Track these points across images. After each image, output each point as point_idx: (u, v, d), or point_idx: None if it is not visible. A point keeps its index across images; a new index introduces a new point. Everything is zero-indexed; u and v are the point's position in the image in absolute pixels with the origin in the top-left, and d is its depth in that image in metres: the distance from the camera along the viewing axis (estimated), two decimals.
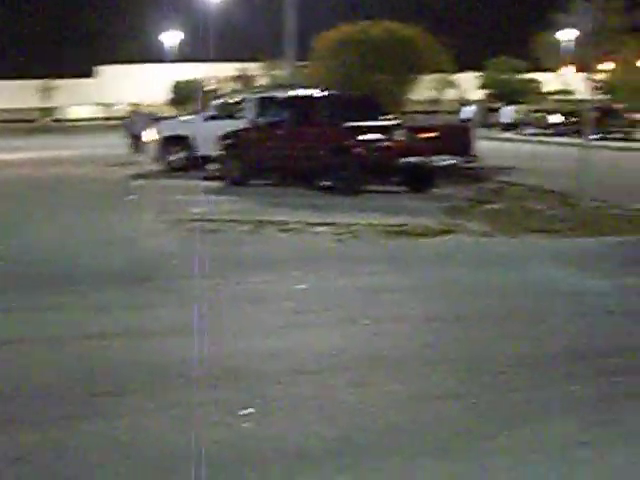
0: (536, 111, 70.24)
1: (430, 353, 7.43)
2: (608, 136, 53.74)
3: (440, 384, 6.59)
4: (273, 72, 69.51)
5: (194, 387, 6.42)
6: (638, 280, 10.43)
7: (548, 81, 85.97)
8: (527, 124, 66.20)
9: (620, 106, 67.14)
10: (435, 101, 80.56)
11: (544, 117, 65.09)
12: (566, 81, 77.91)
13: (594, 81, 22.37)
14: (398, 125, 20.82)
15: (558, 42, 61.19)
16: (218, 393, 6.33)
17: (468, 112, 65.14)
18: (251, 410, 5.96)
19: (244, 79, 79.82)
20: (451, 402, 6.18)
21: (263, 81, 73.63)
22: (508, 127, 66.81)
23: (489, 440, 5.48)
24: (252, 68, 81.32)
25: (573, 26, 23.72)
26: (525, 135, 60.02)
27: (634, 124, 57.70)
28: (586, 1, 17.07)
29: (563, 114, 60.81)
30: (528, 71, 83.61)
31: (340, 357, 7.26)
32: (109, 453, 5.30)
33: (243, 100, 28.79)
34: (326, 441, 5.47)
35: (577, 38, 37.72)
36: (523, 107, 73.41)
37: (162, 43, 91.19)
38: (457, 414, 5.96)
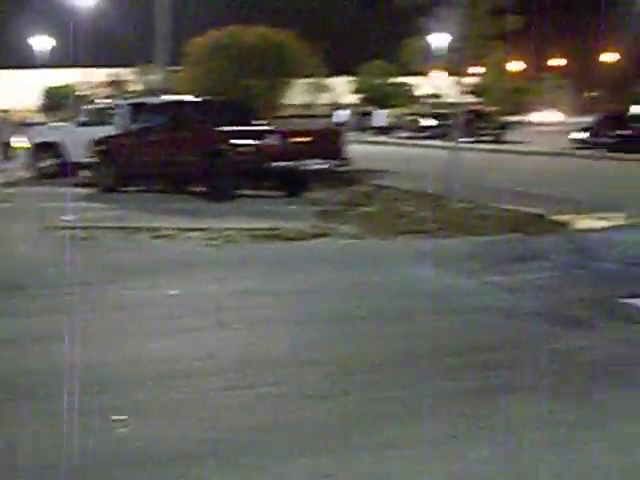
0: (408, 115, 71.24)
1: (302, 355, 7.52)
2: (480, 139, 54.90)
3: (312, 384, 6.69)
4: (146, 77, 68.95)
5: (66, 394, 6.38)
6: (503, 278, 10.72)
7: (420, 85, 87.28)
8: (400, 128, 67.10)
9: (491, 109, 68.51)
10: (309, 106, 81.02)
11: (416, 120, 66.05)
12: (437, 85, 79.21)
13: (464, 85, 22.85)
14: (271, 130, 20.93)
15: (428, 47, 62.13)
16: (90, 400, 6.30)
17: (342, 116, 65.79)
18: (125, 416, 5.96)
19: (117, 85, 79.01)
20: (323, 402, 6.29)
21: (136, 87, 73.01)
22: (381, 131, 67.62)
23: (359, 437, 5.59)
24: (125, 74, 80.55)
25: (442, 31, 24.23)
26: (398, 138, 60.81)
27: (504, 127, 59.00)
28: (451, 7, 17.42)
29: (435, 118, 61.79)
30: (400, 75, 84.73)
31: (213, 361, 7.30)
32: None
33: (115, 106, 28.55)
34: (201, 443, 5.52)
35: (448, 43, 38.46)
36: (395, 111, 74.43)
37: (32, 48, 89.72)
38: (328, 413, 6.06)
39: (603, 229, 15.30)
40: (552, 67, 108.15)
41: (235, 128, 20.56)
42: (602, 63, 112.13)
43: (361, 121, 70.75)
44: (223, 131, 20.41)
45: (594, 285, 10.39)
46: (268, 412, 6.10)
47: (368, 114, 72.94)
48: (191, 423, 5.87)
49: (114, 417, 5.92)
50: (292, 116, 51.31)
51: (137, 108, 26.09)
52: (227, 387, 6.61)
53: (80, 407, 6.10)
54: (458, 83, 17.35)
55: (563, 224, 15.30)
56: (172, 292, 9.91)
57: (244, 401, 6.32)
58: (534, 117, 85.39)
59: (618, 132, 42.48)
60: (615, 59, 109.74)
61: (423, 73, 78.89)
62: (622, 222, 16.01)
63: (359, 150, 29.72)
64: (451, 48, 25.32)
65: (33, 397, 6.43)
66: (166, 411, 6.10)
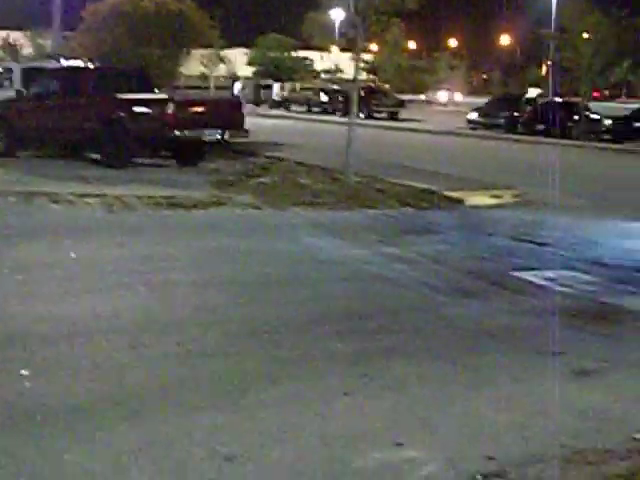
0: (306, 89, 71.40)
1: (203, 316, 7.77)
2: (375, 115, 55.43)
3: (212, 344, 6.95)
4: (40, 42, 67.79)
5: None
6: (396, 249, 11.10)
7: (320, 60, 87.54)
8: (297, 102, 67.25)
9: (387, 86, 69.07)
10: (206, 76, 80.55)
11: (315, 95, 66.26)
12: (336, 60, 79.65)
13: (361, 61, 23.12)
14: (168, 99, 20.94)
15: (329, 22, 62.53)
16: None
17: (237, 88, 65.66)
18: (27, 372, 6.12)
19: (9, 48, 77.43)
20: (222, 360, 6.56)
21: (30, 51, 71.68)
22: (278, 104, 67.65)
23: (257, 394, 5.87)
24: (18, 37, 79.01)
25: (339, 6, 24.49)
26: (293, 112, 60.99)
27: (400, 104, 59.56)
28: None
29: (332, 93, 62.11)
30: (300, 49, 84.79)
31: (116, 321, 7.50)
32: None
33: (9, 70, 28.18)
34: (104, 396, 5.73)
35: (345, 18, 38.69)
36: (293, 85, 74.46)
37: None
38: (228, 371, 6.32)
39: (494, 206, 15.83)
40: (448, 47, 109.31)
41: (132, 96, 20.55)
42: (498, 45, 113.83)
43: (260, 94, 70.71)
44: (120, 98, 20.38)
45: (484, 258, 10.83)
46: (171, 369, 6.33)
47: (266, 87, 72.90)
48: (95, 379, 6.06)
49: (21, 372, 6.09)
50: (191, 86, 51.10)
51: (32, 73, 25.81)
52: (132, 345, 6.82)
53: None
54: (354, 59, 17.62)
55: (456, 200, 15.75)
56: (73, 255, 10.02)
57: (148, 359, 6.54)
58: (432, 96, 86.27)
59: (513, 114, 43.44)
60: (510, 42, 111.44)
61: (324, 48, 79.28)
62: (511, 199, 16.57)
63: (257, 122, 29.89)
64: (348, 24, 25.57)
65: None
66: (71, 368, 6.28)
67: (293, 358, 6.66)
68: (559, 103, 44.41)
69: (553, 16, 57.76)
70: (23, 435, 5.10)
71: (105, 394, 5.78)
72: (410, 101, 64.75)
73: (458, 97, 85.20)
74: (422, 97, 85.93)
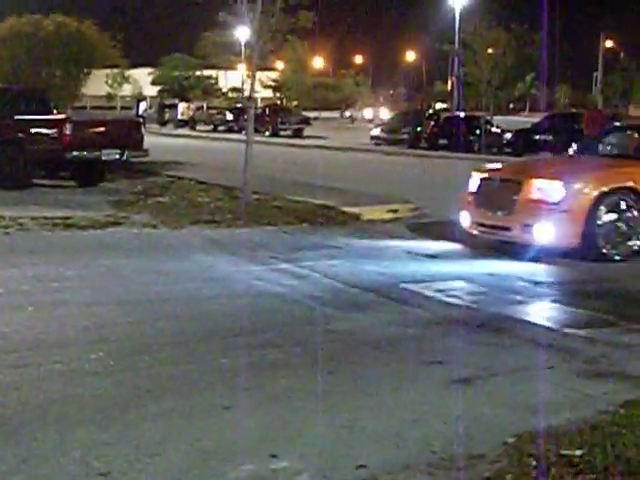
0: (212, 108, 71.43)
1: (90, 335, 7.79)
2: (279, 133, 55.68)
3: (97, 362, 6.98)
4: None
5: None
6: (288, 265, 11.20)
7: (224, 79, 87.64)
8: (201, 121, 67.23)
9: (292, 104, 69.38)
10: (111, 96, 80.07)
11: (219, 114, 66.33)
12: (240, 79, 79.89)
13: (262, 80, 23.21)
14: (67, 119, 20.85)
15: (228, 40, 62.61)
16: None
17: (143, 108, 65.42)
18: None
19: None
20: (106, 378, 6.59)
21: None
22: (182, 124, 67.54)
23: (137, 409, 5.93)
24: None
25: (239, 25, 24.62)
26: (198, 132, 60.98)
27: (305, 122, 59.94)
28: (250, 2, 17.77)
29: (235, 111, 62.24)
30: (202, 68, 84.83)
31: (4, 341, 7.48)
32: None
33: None
34: None
35: (246, 38, 38.86)
36: (196, 104, 74.37)
37: None
38: (111, 388, 6.37)
39: (390, 220, 16.04)
40: (353, 64, 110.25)
41: (30, 117, 20.45)
42: (403, 61, 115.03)
43: (164, 113, 70.57)
44: (18, 119, 20.26)
45: (377, 272, 10.98)
46: (53, 388, 6.35)
47: (171, 106, 72.77)
48: None
49: None
50: (93, 107, 50.72)
51: None
52: (17, 365, 6.83)
53: None
54: (252, 77, 17.74)
55: (352, 215, 15.93)
56: None
57: (31, 378, 6.55)
58: (357, 113, 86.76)
59: (416, 129, 43.96)
60: (416, 57, 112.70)
61: (229, 67, 79.48)
62: (408, 213, 16.80)
63: (160, 142, 29.87)
64: (248, 43, 25.74)
65: None
66: None
67: (176, 374, 6.73)
68: (462, 117, 45.13)
69: (456, 32, 58.62)
70: None
71: None
72: (315, 118, 65.06)
73: (384, 114, 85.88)
74: (347, 114, 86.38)
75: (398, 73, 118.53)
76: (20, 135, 19.90)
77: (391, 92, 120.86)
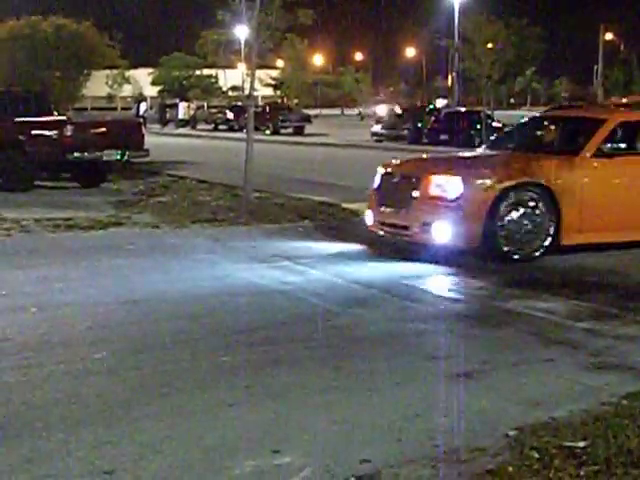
0: (213, 107, 71.47)
1: (93, 335, 7.82)
2: (282, 131, 55.72)
3: (100, 362, 7.00)
4: None
5: None
6: (289, 263, 11.22)
7: (224, 77, 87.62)
8: (202, 120, 67.25)
9: (292, 102, 69.37)
10: (112, 97, 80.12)
11: (219, 113, 66.38)
12: (240, 77, 79.90)
13: (262, 78, 23.25)
14: (66, 120, 20.93)
15: (227, 39, 62.68)
16: None
17: (144, 108, 65.49)
18: None
19: None
20: (110, 377, 6.62)
21: None
22: (183, 123, 67.56)
23: (140, 408, 5.95)
24: None
25: (238, 23, 24.66)
26: (199, 131, 61.01)
27: (306, 119, 59.97)
28: (248, 0, 17.82)
29: (235, 110, 62.25)
30: (203, 67, 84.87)
31: (8, 343, 7.52)
32: None
33: None
34: None
35: (245, 36, 38.90)
36: (197, 104, 74.40)
37: None
38: (114, 388, 6.39)
39: None
40: (353, 61, 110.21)
41: (31, 119, 20.50)
42: (403, 57, 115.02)
43: (165, 113, 70.60)
44: (19, 122, 20.32)
45: (382, 268, 11.01)
46: (57, 388, 6.38)
47: (172, 106, 72.81)
48: None
49: None
50: (93, 108, 50.75)
51: None
52: (21, 366, 6.86)
53: None
54: (252, 76, 17.76)
55: (353, 211, 15.95)
56: None
57: (37, 378, 6.58)
58: (368, 110, 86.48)
59: (416, 125, 43.98)
60: (416, 53, 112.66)
61: (229, 66, 79.55)
62: None
63: (161, 142, 29.90)
64: (247, 41, 25.78)
65: None
66: None
67: (179, 372, 6.75)
68: (462, 113, 45.15)
69: (456, 27, 58.70)
70: None
71: None
72: (316, 116, 65.04)
73: (398, 110, 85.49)
74: (355, 111, 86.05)
75: (398, 69, 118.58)
76: (21, 137, 19.96)
77: (391, 88, 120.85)
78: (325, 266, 11.00)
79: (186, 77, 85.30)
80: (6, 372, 6.72)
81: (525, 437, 5.38)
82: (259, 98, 67.26)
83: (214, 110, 69.06)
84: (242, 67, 74.33)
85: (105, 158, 20.09)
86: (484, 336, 7.94)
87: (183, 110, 70.97)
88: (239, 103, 62.90)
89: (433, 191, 11.53)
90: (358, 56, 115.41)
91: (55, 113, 23.09)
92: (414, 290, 9.81)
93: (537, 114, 16.99)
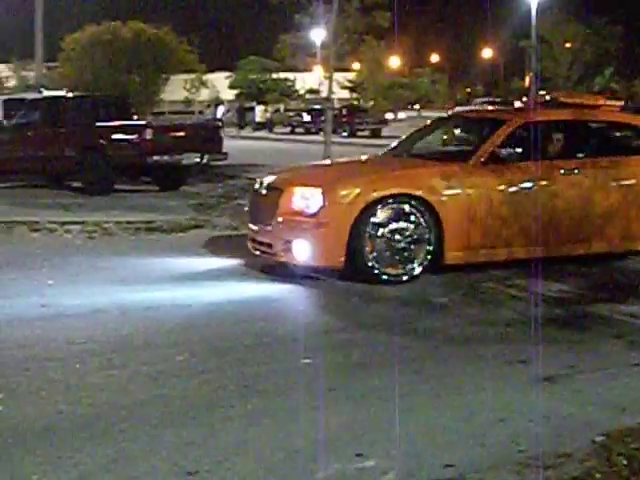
0: (289, 110, 71.63)
1: (175, 337, 7.88)
2: (359, 133, 55.69)
3: (182, 364, 7.05)
4: (23, 73, 68.03)
5: None
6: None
7: (302, 80, 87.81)
8: (279, 123, 67.45)
9: (368, 105, 69.28)
10: (189, 101, 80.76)
11: (296, 116, 66.55)
12: (317, 80, 79.99)
13: (339, 81, 23.26)
14: (146, 125, 21.15)
15: (304, 42, 62.78)
16: None
17: (222, 111, 65.94)
18: (1, 395, 6.23)
19: None
20: (192, 379, 6.66)
21: (13, 82, 71.90)
22: (260, 126, 67.84)
23: (223, 410, 5.98)
24: (2, 69, 79.25)
25: (316, 27, 24.72)
26: (276, 134, 61.22)
27: (383, 122, 59.91)
28: (326, 3, 17.88)
29: (312, 113, 62.36)
30: (279, 71, 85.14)
31: (89, 344, 7.60)
32: None
33: None
34: (74, 418, 5.84)
35: (322, 39, 38.98)
36: (274, 106, 74.65)
37: None
38: (197, 389, 6.44)
39: None
40: (429, 63, 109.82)
41: (111, 123, 20.76)
42: (480, 58, 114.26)
43: (242, 116, 70.98)
44: (100, 126, 20.61)
45: (457, 269, 10.92)
46: (139, 389, 6.44)
47: (249, 109, 73.19)
48: (66, 401, 6.16)
49: None
50: (170, 112, 51.19)
51: (12, 103, 25.96)
52: (104, 367, 6.94)
53: None
54: (330, 78, 17.80)
55: None
56: (50, 282, 10.13)
57: (120, 379, 6.65)
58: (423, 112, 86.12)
59: None
60: (492, 54, 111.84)
61: (306, 69, 79.69)
62: None
63: (238, 145, 30.05)
64: (325, 44, 25.83)
65: None
66: (44, 390, 6.38)
67: (261, 374, 6.77)
68: None
69: (533, 27, 58.19)
70: None
71: (75, 415, 5.89)
72: (393, 119, 64.82)
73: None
74: (412, 114, 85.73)
75: (475, 70, 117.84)
76: (102, 141, 20.24)
77: (468, 90, 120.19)
78: None
79: (263, 80, 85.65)
80: (91, 373, 6.80)
81: (612, 443, 5.30)
82: (335, 101, 67.31)
83: (291, 113, 69.30)
84: (319, 70, 74.51)
85: (184, 162, 20.26)
86: (568, 340, 7.85)
87: (260, 113, 71.38)
88: (316, 106, 62.97)
89: (294, 205, 10.21)
90: (434, 58, 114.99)
91: (135, 117, 23.35)
92: (495, 292, 9.72)
93: (445, 115, 14.96)
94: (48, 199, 19.01)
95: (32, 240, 13.55)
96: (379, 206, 10.00)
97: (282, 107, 75.01)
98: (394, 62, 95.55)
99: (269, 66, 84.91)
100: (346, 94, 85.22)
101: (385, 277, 10.01)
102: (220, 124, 24.88)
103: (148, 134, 19.88)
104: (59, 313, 8.72)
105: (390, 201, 10.05)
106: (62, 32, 37.88)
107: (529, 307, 9.07)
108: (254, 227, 11.05)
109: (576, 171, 11.04)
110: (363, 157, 13.20)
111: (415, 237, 10.12)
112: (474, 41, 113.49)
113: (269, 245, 10.55)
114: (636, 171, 11.41)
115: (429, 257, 10.21)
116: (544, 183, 10.86)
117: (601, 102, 12.59)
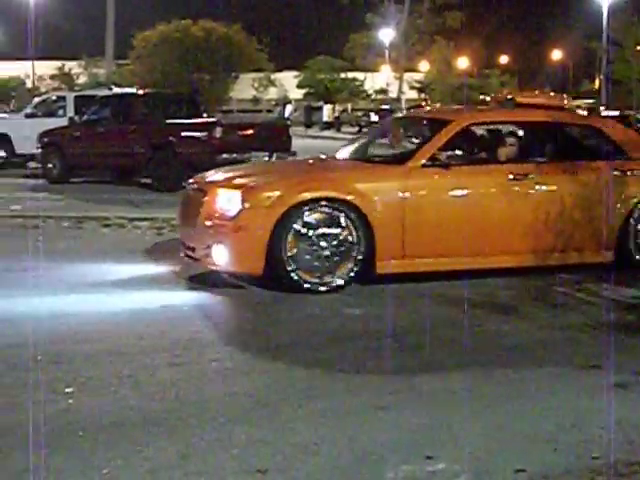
0: (357, 110, 71.63)
1: (244, 334, 7.91)
2: None
3: (251, 361, 7.08)
4: (94, 70, 68.81)
5: (19, 370, 6.71)
6: None
7: (370, 80, 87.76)
8: (346, 123, 67.47)
9: (436, 105, 68.96)
10: (257, 100, 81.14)
11: (364, 116, 66.52)
12: (386, 80, 79.87)
13: (408, 81, 23.18)
14: (216, 122, 21.27)
15: (374, 42, 62.83)
16: (42, 375, 6.61)
17: (289, 110, 66.20)
18: (72, 389, 6.30)
19: (65, 77, 78.60)
20: (260, 377, 6.67)
21: (84, 79, 72.77)
22: (329, 126, 67.91)
23: (292, 409, 5.97)
24: (73, 66, 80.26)
25: (386, 27, 24.66)
26: (343, 133, 61.20)
27: None
28: (397, 3, 17.83)
29: (380, 113, 62.28)
30: (348, 70, 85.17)
31: (159, 340, 7.65)
32: None
33: (63, 98, 28.74)
34: (144, 413, 5.87)
35: (392, 39, 38.96)
36: (342, 106, 74.71)
37: None
38: (265, 387, 6.43)
39: None
40: (498, 64, 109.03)
41: (182, 121, 20.92)
42: (549, 60, 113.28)
43: (309, 116, 71.14)
44: (169, 123, 20.77)
45: (526, 273, 10.81)
46: (209, 386, 6.46)
47: (317, 109, 73.32)
48: (135, 396, 6.21)
49: (67, 389, 6.27)
50: (238, 111, 51.40)
51: (85, 100, 26.32)
52: (173, 363, 6.98)
53: (33, 381, 6.43)
54: (400, 79, 17.73)
55: None
56: (122, 277, 10.23)
57: (189, 376, 6.67)
58: None
59: None
60: (562, 56, 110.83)
61: (373, 69, 79.66)
62: None
63: (306, 144, 30.08)
64: (394, 44, 25.80)
65: None
66: (113, 385, 6.43)
67: (329, 374, 6.75)
68: (613, 116, 44.14)
69: (604, 30, 57.58)
70: (66, 451, 5.25)
71: (144, 410, 5.92)
72: None
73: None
74: None
75: (544, 72, 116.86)
76: (171, 139, 20.40)
77: (536, 91, 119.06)
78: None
79: (331, 80, 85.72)
80: (160, 369, 6.84)
81: None
82: (403, 101, 67.16)
83: (359, 113, 69.28)
84: (386, 70, 74.42)
85: (254, 160, 20.34)
86: None
87: (328, 113, 71.49)
88: (385, 106, 62.92)
89: (216, 207, 9.67)
90: (503, 59, 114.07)
91: (204, 115, 23.48)
92: (567, 297, 9.61)
93: (401, 114, 12.94)
94: (118, 195, 19.24)
95: (103, 235, 13.70)
96: (303, 210, 9.37)
97: (349, 107, 74.97)
98: (462, 63, 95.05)
99: (337, 66, 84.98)
100: (414, 94, 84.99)
101: (307, 285, 9.40)
102: (289, 123, 24.95)
103: (218, 132, 20.01)
104: (127, 308, 8.80)
105: (315, 205, 9.41)
106: (133, 30, 38.25)
107: (600, 312, 8.96)
108: (183, 230, 10.62)
109: (530, 176, 10.31)
110: (322, 156, 12.21)
111: (343, 244, 9.50)
112: (544, 42, 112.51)
113: (193, 249, 10.04)
114: (596, 177, 10.68)
115: (358, 266, 9.56)
116: (489, 188, 10.23)
117: (565, 103, 11.99)
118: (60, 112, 27.77)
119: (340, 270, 9.51)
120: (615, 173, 10.71)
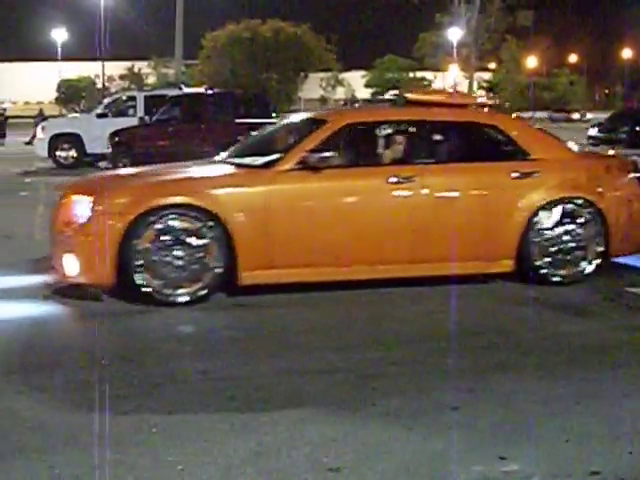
0: None
1: (314, 332, 7.92)
2: None
3: (322, 361, 7.07)
4: (163, 70, 69.47)
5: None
6: None
7: (440, 79, 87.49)
8: None
9: (506, 105, 68.64)
10: (325, 100, 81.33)
11: None
12: (452, 80, 79.52)
13: (477, 80, 23.05)
14: None
15: (443, 41, 62.56)
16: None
17: None
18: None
19: (134, 77, 79.47)
20: (332, 376, 6.66)
21: (153, 79, 73.51)
22: None
23: (365, 407, 5.97)
24: (142, 66, 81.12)
25: (455, 26, 24.56)
26: None
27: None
28: (467, 3, 17.75)
29: None
30: (416, 70, 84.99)
31: (229, 336, 7.72)
32: None
33: (133, 98, 29.04)
34: (216, 409, 5.91)
35: (460, 38, 38.75)
36: None
37: (49, 41, 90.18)
38: (336, 387, 6.43)
39: None
40: (567, 63, 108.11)
41: (252, 120, 21.02)
42: (619, 59, 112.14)
43: None
44: (241, 123, 20.88)
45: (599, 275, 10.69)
46: (282, 384, 6.47)
47: None
48: (207, 392, 6.25)
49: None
50: (306, 110, 51.46)
51: (155, 100, 26.56)
52: (242, 363, 7.02)
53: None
54: (471, 78, 17.64)
55: None
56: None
57: (260, 374, 6.70)
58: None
59: (635, 128, 42.41)
60: (633, 55, 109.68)
61: (441, 68, 79.37)
62: None
63: None
64: (462, 43, 25.67)
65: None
66: (183, 382, 6.49)
67: (402, 373, 6.74)
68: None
69: None
70: (139, 447, 5.31)
71: (217, 407, 5.96)
72: (530, 118, 63.94)
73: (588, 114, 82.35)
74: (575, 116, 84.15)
75: (614, 71, 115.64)
76: (240, 138, 20.46)
77: (606, 91, 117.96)
78: None
79: (399, 79, 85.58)
80: (229, 369, 6.87)
81: None
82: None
83: None
84: (454, 69, 74.07)
85: None
86: None
87: None
88: None
89: (68, 215, 9.01)
90: (572, 58, 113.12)
91: (274, 115, 23.57)
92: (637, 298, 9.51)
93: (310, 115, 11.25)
94: None
95: None
96: (156, 217, 8.72)
97: None
98: (531, 62, 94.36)
99: (406, 65, 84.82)
100: (482, 94, 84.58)
101: (159, 297, 8.78)
102: None
103: None
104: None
105: (168, 212, 8.76)
106: (202, 30, 38.53)
107: None
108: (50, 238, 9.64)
109: (415, 179, 9.46)
110: (199, 161, 11.22)
111: (200, 254, 8.87)
112: (614, 41, 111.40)
113: (52, 259, 9.39)
114: (492, 179, 9.84)
115: (218, 277, 8.97)
116: (365, 193, 9.44)
117: (467, 101, 11.30)
118: (130, 112, 28.07)
119: (197, 281, 8.90)
120: (514, 175, 9.82)
